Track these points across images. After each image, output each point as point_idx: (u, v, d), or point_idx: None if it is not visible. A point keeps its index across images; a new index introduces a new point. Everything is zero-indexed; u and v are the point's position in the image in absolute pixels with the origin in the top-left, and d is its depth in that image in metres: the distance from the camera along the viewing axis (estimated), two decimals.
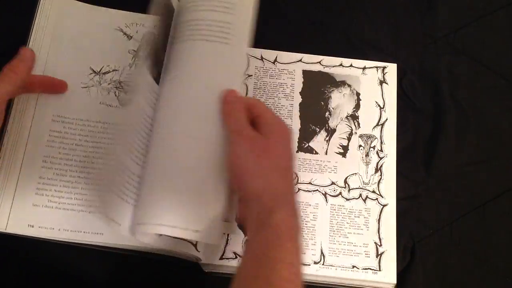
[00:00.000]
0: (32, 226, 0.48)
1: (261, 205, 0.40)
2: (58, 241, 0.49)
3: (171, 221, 0.43)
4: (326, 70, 0.61)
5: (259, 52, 0.61)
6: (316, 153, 0.58)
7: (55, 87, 0.53)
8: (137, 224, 0.44)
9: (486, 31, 0.65)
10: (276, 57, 0.61)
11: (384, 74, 0.61)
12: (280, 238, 0.38)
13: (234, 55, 0.48)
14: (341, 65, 0.61)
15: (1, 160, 0.50)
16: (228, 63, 0.48)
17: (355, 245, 0.55)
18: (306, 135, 0.59)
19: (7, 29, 0.59)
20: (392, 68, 0.61)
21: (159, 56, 0.50)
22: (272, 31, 0.61)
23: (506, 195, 0.58)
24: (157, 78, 0.49)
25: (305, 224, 0.55)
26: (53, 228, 0.48)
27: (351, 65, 0.61)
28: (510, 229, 0.57)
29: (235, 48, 0.48)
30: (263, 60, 0.61)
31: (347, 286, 0.55)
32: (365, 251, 0.55)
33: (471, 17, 0.65)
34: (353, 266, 0.54)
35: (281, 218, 0.39)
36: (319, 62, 0.61)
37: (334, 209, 0.56)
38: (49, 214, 0.49)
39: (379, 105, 0.60)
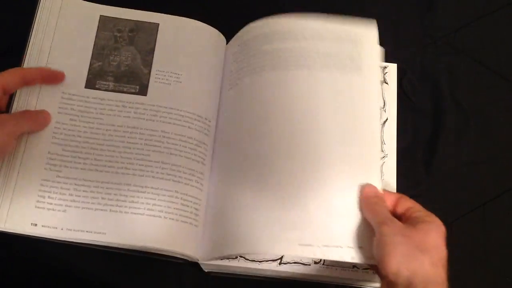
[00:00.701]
0: (35, 225, 0.48)
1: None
2: (60, 240, 0.49)
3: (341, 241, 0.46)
4: None
5: None
6: None
7: (52, 77, 0.53)
8: (302, 244, 0.46)
9: (486, 31, 0.65)
10: None
11: (384, 74, 0.61)
12: None
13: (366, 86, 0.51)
14: None
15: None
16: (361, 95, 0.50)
17: None
18: None
19: (7, 28, 0.59)
20: (392, 68, 0.61)
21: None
22: None
23: (506, 195, 0.58)
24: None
25: None
26: (56, 228, 0.48)
27: None
28: (510, 229, 0.57)
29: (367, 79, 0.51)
30: None
31: (347, 286, 0.55)
32: None
33: (471, 17, 0.65)
34: (354, 266, 0.54)
35: None
36: None
37: None
38: (52, 213, 0.48)
39: (379, 105, 0.60)
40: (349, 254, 0.45)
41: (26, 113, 0.50)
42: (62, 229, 0.48)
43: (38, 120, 0.51)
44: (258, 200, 0.48)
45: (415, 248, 0.43)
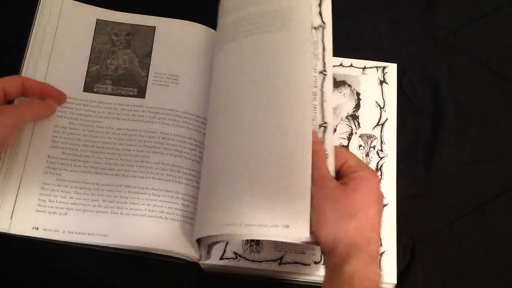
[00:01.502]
0: (37, 229, 0.48)
1: (335, 257, 0.40)
2: (62, 242, 0.49)
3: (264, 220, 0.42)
4: None
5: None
6: None
7: (52, 97, 0.52)
8: (226, 225, 0.44)
9: (486, 31, 0.65)
10: None
11: (384, 74, 0.61)
12: None
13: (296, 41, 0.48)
14: (341, 65, 0.61)
15: (2, 160, 0.50)
16: (292, 51, 0.48)
17: None
18: None
19: (7, 28, 0.59)
20: (392, 68, 0.61)
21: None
22: None
23: (506, 195, 0.58)
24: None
25: None
26: (58, 231, 0.48)
27: (351, 65, 0.61)
28: (510, 229, 0.57)
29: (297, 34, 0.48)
30: None
31: None
32: None
33: (471, 17, 0.65)
34: None
35: (354, 269, 0.39)
36: None
37: None
38: (53, 216, 0.49)
39: (379, 105, 0.60)
40: (280, 233, 0.42)
41: (28, 104, 0.50)
42: (63, 232, 0.48)
43: (42, 108, 0.50)
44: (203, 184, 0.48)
45: (343, 215, 0.41)
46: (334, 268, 0.40)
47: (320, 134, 0.47)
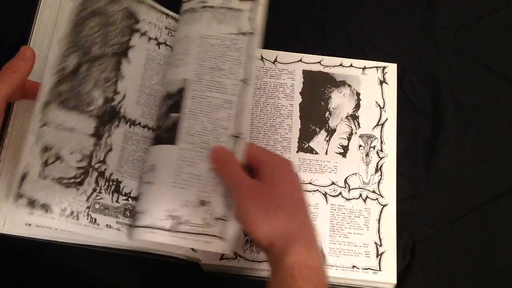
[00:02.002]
0: (30, 225, 0.48)
1: (274, 251, 0.40)
2: (57, 242, 0.49)
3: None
4: (326, 70, 0.61)
5: (259, 52, 0.61)
6: (316, 153, 0.58)
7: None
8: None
9: (486, 31, 0.65)
10: (276, 57, 0.61)
11: (384, 74, 0.61)
12: (294, 279, 0.39)
13: None
14: (341, 65, 0.61)
15: (1, 161, 0.50)
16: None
17: (355, 245, 0.55)
18: (306, 135, 0.59)
19: (7, 28, 0.59)
20: (392, 68, 0.61)
21: None
22: (272, 31, 0.60)
23: (506, 195, 0.58)
24: None
25: None
26: (54, 218, 0.47)
27: (351, 65, 0.61)
28: (510, 229, 0.57)
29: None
30: (263, 60, 0.61)
31: (348, 286, 0.55)
32: (365, 251, 0.55)
33: (471, 17, 0.65)
34: (353, 266, 0.54)
35: (294, 259, 0.39)
36: (319, 62, 0.61)
37: (334, 209, 0.56)
38: (50, 200, 0.48)
39: (379, 105, 0.60)
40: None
41: (1, 73, 0.46)
42: (59, 220, 0.47)
43: (17, 68, 0.46)
44: None
45: (268, 208, 0.41)
46: (275, 262, 0.40)
47: (230, 145, 0.46)
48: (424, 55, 0.63)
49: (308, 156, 0.58)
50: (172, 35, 0.54)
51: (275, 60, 0.61)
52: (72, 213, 0.47)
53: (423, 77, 0.62)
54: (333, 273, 0.54)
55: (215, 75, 0.47)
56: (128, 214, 0.48)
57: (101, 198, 0.47)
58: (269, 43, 0.60)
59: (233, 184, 0.43)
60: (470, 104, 0.61)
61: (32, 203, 0.45)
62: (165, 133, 0.47)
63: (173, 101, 0.48)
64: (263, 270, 0.53)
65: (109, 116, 0.49)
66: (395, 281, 0.54)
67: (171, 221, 0.44)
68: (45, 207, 0.46)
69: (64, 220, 0.46)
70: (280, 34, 0.63)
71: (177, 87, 0.48)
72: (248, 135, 0.46)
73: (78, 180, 0.47)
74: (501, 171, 0.59)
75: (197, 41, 0.49)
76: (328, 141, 0.59)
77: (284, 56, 0.61)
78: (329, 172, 0.57)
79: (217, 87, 0.47)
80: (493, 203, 0.58)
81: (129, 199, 0.48)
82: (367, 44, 0.63)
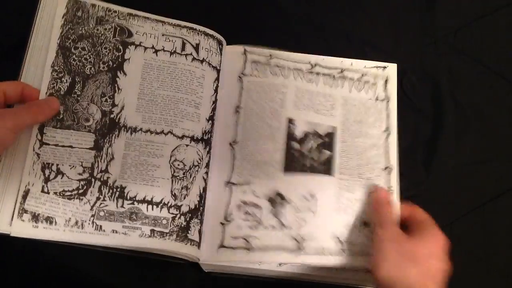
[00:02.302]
0: (37, 227, 0.48)
1: None
2: (62, 242, 0.49)
3: None
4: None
5: (256, 51, 0.60)
6: None
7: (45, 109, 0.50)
8: None
9: (486, 31, 0.65)
10: (275, 57, 0.61)
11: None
12: None
13: None
14: (342, 63, 0.61)
15: (2, 161, 0.49)
16: None
17: None
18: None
19: (7, 28, 0.59)
20: (392, 68, 0.61)
21: None
22: (271, 31, 0.61)
23: (506, 195, 0.58)
24: None
25: None
26: (58, 229, 0.48)
27: (351, 65, 0.61)
28: (510, 229, 0.57)
29: None
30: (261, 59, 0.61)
31: (348, 286, 0.55)
32: None
33: (471, 17, 0.65)
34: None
35: None
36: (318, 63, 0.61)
37: None
38: (54, 213, 0.48)
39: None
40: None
41: (27, 106, 0.48)
42: (64, 230, 0.48)
43: (42, 110, 0.48)
44: None
45: (405, 256, 0.44)
46: None
47: (383, 176, 0.55)
48: (424, 55, 0.63)
49: None
50: (170, 41, 0.54)
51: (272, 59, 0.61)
52: (76, 222, 0.47)
53: (423, 77, 0.62)
54: (332, 274, 0.53)
55: (362, 127, 0.57)
56: (135, 217, 0.48)
57: (106, 205, 0.48)
58: (268, 43, 0.60)
59: (381, 223, 0.48)
60: (470, 104, 0.62)
61: (36, 217, 0.46)
62: (320, 166, 0.55)
63: (323, 141, 0.56)
64: (263, 270, 0.53)
65: (108, 128, 0.50)
66: None
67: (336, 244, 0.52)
68: (49, 220, 0.46)
69: (69, 230, 0.47)
70: (280, 34, 0.62)
71: (325, 131, 0.56)
72: (396, 167, 0.56)
73: (81, 191, 0.48)
74: (501, 171, 0.59)
75: (340, 100, 0.58)
76: None
77: (282, 55, 0.61)
78: None
79: (364, 135, 0.57)
80: (493, 203, 0.58)
81: (135, 202, 0.48)
82: (367, 44, 0.63)
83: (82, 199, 0.47)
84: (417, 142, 0.60)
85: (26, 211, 0.46)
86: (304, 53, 0.61)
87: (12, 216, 0.47)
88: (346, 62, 0.61)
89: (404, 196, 0.57)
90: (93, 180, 0.48)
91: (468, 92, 0.62)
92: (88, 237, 0.47)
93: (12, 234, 0.47)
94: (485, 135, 0.61)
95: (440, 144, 0.60)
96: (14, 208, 0.47)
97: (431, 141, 0.60)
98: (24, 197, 0.47)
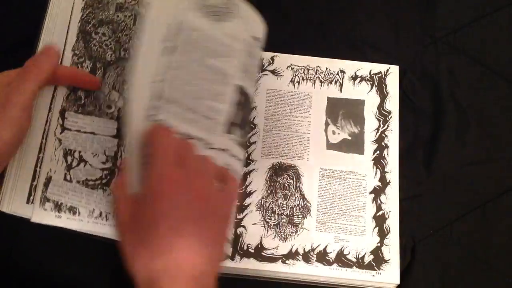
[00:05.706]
0: (60, 217, 0.47)
1: None
2: (83, 233, 0.48)
3: None
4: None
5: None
6: None
7: (85, 83, 0.48)
8: None
9: (486, 31, 0.65)
10: (275, 58, 0.61)
11: (385, 77, 0.61)
12: None
13: None
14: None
15: (22, 150, 0.48)
16: None
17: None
18: None
19: (18, 22, 0.58)
20: (393, 69, 0.61)
21: None
22: (271, 31, 0.60)
23: (506, 195, 0.58)
24: None
25: None
26: (82, 220, 0.47)
27: (352, 67, 0.61)
28: (510, 229, 0.57)
29: None
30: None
31: (348, 286, 0.55)
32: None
33: (471, 17, 0.65)
34: (353, 267, 0.54)
35: None
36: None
37: None
38: (77, 203, 0.47)
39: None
40: None
41: (23, 67, 0.45)
42: (88, 222, 0.47)
43: (43, 61, 0.45)
44: None
45: (138, 235, 0.36)
46: None
47: None
48: (424, 55, 0.63)
49: None
50: None
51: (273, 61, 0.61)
52: (100, 214, 0.47)
53: (423, 77, 0.62)
54: (335, 273, 0.54)
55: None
56: None
57: None
58: (268, 43, 0.60)
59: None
60: (470, 104, 0.61)
61: (59, 206, 0.46)
62: None
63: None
64: (263, 270, 0.53)
65: None
66: (398, 282, 0.54)
67: None
68: (73, 210, 0.46)
69: (93, 222, 0.46)
70: (280, 35, 0.62)
71: None
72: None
73: (105, 181, 0.47)
74: (501, 171, 0.59)
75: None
76: None
77: (282, 57, 0.61)
78: None
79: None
80: (493, 203, 0.58)
81: None
82: (367, 44, 0.63)
83: (105, 190, 0.47)
84: (417, 142, 0.60)
85: (48, 200, 0.45)
86: (304, 53, 0.61)
87: (28, 199, 0.46)
88: (349, 69, 0.61)
89: (404, 196, 0.57)
90: (116, 170, 0.47)
91: (468, 92, 0.62)
92: (112, 229, 0.46)
93: (33, 220, 0.46)
94: (485, 135, 0.61)
95: (440, 144, 0.60)
96: (35, 194, 0.46)
97: (431, 141, 0.60)
98: (46, 184, 0.46)
